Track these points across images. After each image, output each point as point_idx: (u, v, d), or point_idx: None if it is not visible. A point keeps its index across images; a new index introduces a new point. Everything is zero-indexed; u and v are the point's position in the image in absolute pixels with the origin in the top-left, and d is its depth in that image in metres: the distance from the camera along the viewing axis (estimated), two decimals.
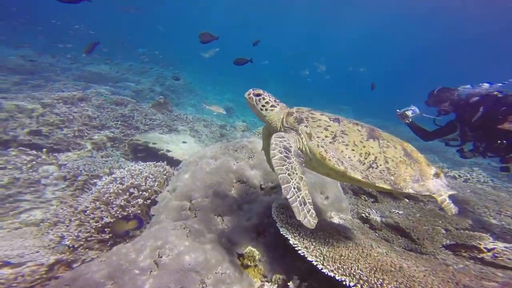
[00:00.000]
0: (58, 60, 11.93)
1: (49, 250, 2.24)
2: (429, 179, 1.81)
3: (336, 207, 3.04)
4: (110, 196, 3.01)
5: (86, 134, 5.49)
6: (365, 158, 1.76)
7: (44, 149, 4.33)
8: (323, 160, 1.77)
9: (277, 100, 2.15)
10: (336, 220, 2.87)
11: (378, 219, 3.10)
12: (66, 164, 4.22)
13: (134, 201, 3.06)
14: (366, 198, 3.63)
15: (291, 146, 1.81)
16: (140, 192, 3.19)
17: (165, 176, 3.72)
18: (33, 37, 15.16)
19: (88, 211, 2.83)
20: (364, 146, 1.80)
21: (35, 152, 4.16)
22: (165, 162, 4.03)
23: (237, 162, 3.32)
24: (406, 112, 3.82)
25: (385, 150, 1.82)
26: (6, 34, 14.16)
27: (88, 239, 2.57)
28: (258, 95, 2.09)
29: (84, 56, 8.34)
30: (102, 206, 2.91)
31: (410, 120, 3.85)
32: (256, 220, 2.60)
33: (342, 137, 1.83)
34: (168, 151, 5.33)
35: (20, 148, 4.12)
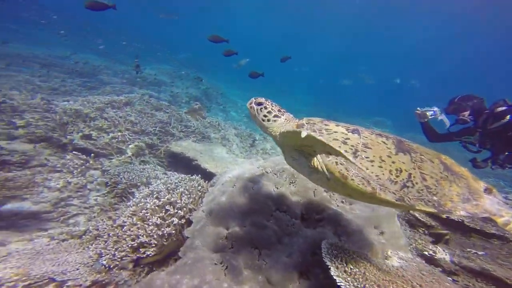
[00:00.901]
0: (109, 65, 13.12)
1: (88, 269, 2.20)
2: (482, 197, 1.51)
3: (393, 244, 2.61)
4: (147, 213, 2.96)
5: (128, 139, 5.75)
6: (397, 176, 1.49)
7: (93, 154, 4.58)
8: (344, 180, 1.49)
9: (281, 110, 1.95)
10: (396, 261, 2.42)
11: (448, 258, 2.55)
12: (108, 170, 4.40)
13: (169, 220, 2.97)
14: (425, 230, 3.07)
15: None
16: (176, 210, 3.09)
17: (199, 193, 3.60)
18: (94, 45, 17.07)
19: (125, 227, 2.79)
20: (393, 162, 1.53)
21: (85, 157, 4.41)
22: (199, 175, 3.96)
23: (277, 188, 3.05)
24: (427, 113, 3.79)
25: (420, 165, 1.55)
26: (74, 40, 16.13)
27: (123, 258, 2.51)
28: (260, 104, 1.91)
29: (134, 67, 9.00)
30: (139, 222, 2.86)
31: (426, 120, 3.84)
32: (298, 257, 2.30)
33: (365, 152, 1.56)
34: (201, 163, 5.31)
35: (74, 152, 4.40)
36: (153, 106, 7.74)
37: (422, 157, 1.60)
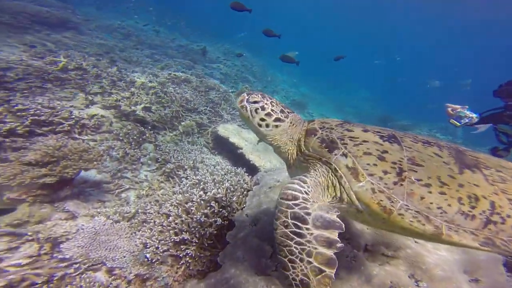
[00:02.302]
0: (175, 38, 13.57)
1: (133, 258, 2.13)
2: None
3: None
4: (193, 206, 2.82)
5: (181, 115, 5.80)
6: (473, 207, 0.99)
7: (149, 127, 4.71)
8: (388, 216, 1.03)
9: (286, 110, 1.44)
10: None
11: None
12: (160, 146, 4.47)
13: (213, 219, 2.78)
14: None
15: (309, 214, 1.08)
16: (220, 209, 2.88)
17: (243, 190, 3.35)
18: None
19: (171, 217, 2.70)
20: (461, 185, 1.03)
21: (142, 129, 4.55)
22: (244, 169, 3.71)
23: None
24: (461, 120, 3.54)
25: (504, 187, 1.03)
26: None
27: (165, 252, 2.42)
28: (255, 102, 1.40)
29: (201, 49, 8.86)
30: (183, 215, 2.74)
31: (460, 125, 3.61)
32: None
33: (416, 171, 1.08)
34: (246, 153, 5.06)
35: (135, 123, 4.58)
36: (207, 85, 7.67)
37: (501, 173, 1.09)
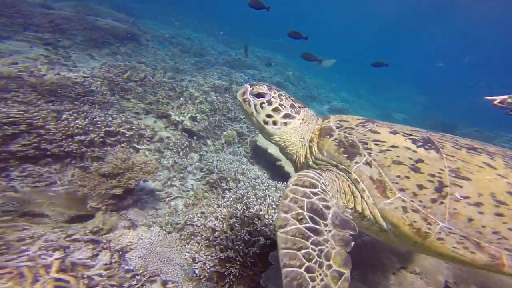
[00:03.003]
0: (214, 46, 14.29)
1: (183, 272, 2.25)
2: None
3: None
4: (237, 222, 2.87)
5: (223, 124, 6.02)
6: None
7: (195, 137, 5.01)
8: (423, 240, 0.82)
9: (296, 105, 1.20)
10: None
11: None
12: (205, 156, 4.71)
13: (256, 238, 2.79)
14: None
15: (328, 208, 0.87)
16: (262, 227, 2.87)
17: None
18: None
19: (216, 232, 2.79)
20: None
21: (189, 138, 4.86)
22: (284, 183, 3.69)
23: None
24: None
25: None
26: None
27: (211, 268, 2.50)
28: (260, 95, 1.18)
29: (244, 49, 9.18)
30: (228, 231, 2.81)
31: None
32: None
33: (461, 186, 0.84)
34: (285, 165, 4.97)
35: (183, 132, 4.93)
36: None
37: None
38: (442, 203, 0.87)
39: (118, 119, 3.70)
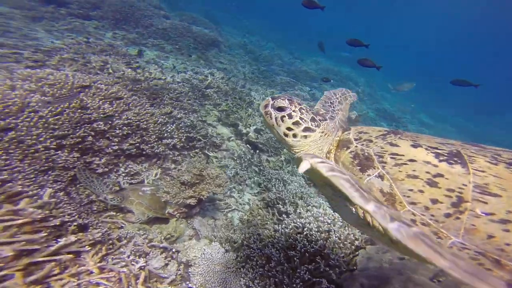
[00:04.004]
0: (280, 54, 14.49)
1: None
2: None
3: None
4: (296, 256, 2.67)
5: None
6: None
7: (257, 150, 5.08)
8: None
9: (317, 118, 1.22)
10: None
11: None
12: (264, 171, 4.69)
13: (317, 279, 2.53)
14: None
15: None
16: (326, 268, 2.58)
17: (352, 246, 2.93)
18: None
19: (272, 262, 2.66)
20: None
21: (252, 151, 4.95)
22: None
23: None
24: None
25: None
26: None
27: None
28: (281, 109, 1.20)
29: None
30: (285, 264, 2.64)
31: None
32: None
33: (486, 203, 0.82)
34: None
35: (247, 144, 5.07)
36: (311, 106, 7.57)
37: None
38: (458, 218, 0.86)
39: (197, 126, 4.04)
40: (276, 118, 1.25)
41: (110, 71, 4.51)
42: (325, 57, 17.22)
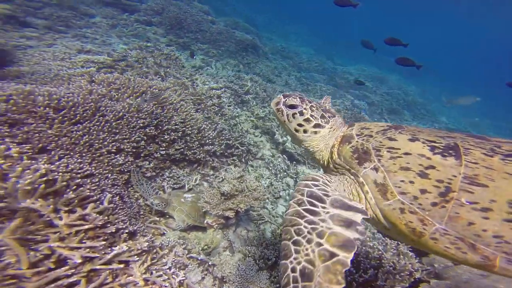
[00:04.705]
0: (321, 61, 13.94)
1: None
2: None
3: None
4: None
5: None
6: None
7: (294, 162, 4.92)
8: (418, 238, 0.95)
9: (326, 115, 1.32)
10: None
11: None
12: (298, 182, 4.50)
13: None
14: None
15: (327, 195, 1.01)
16: None
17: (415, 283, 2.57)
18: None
19: None
20: None
21: (288, 162, 4.81)
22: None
23: None
24: None
25: None
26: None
27: None
28: (293, 107, 1.30)
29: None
30: None
31: None
32: None
33: (472, 193, 0.90)
34: None
35: (283, 154, 4.95)
36: (356, 118, 7.09)
37: None
38: (444, 206, 0.93)
39: (236, 133, 4.06)
40: (287, 115, 1.33)
41: (162, 74, 4.83)
42: (369, 64, 16.08)
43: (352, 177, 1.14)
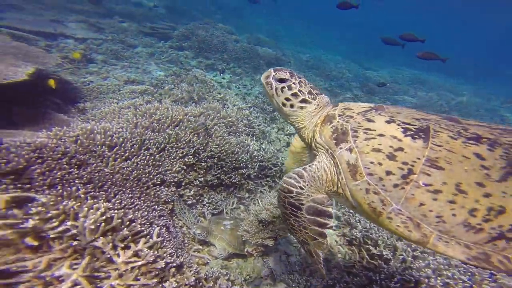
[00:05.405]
0: (348, 67, 13.42)
1: None
2: None
3: None
4: None
5: None
6: (486, 220, 0.90)
7: None
8: (377, 217, 1.05)
9: (314, 91, 1.40)
10: None
11: None
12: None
13: None
14: None
15: (302, 204, 1.25)
16: None
17: None
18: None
19: None
20: (489, 194, 0.90)
21: None
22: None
23: None
24: None
25: None
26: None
27: None
28: (282, 80, 1.37)
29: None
30: None
31: None
32: None
33: (430, 175, 0.98)
34: None
35: None
36: None
37: None
38: (403, 188, 1.02)
39: (268, 153, 4.07)
40: (276, 89, 1.38)
41: (195, 98, 5.17)
42: (405, 65, 14.97)
43: (329, 157, 1.23)
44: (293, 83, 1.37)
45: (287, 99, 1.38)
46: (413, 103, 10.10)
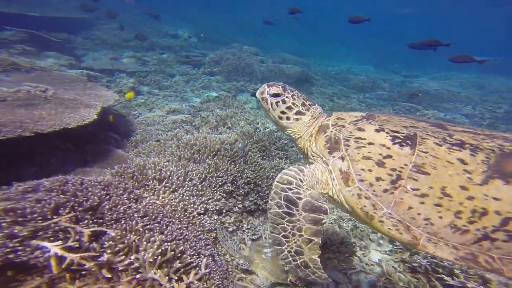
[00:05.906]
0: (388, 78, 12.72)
1: None
2: None
3: None
4: None
5: None
6: (471, 222, 0.96)
7: None
8: (370, 221, 1.17)
9: (307, 103, 1.54)
10: None
11: None
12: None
13: None
14: None
15: (300, 199, 1.33)
16: None
17: None
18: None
19: None
20: (471, 197, 0.97)
21: None
22: None
23: None
24: None
25: None
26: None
27: None
28: (276, 95, 1.51)
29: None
30: None
31: None
32: None
33: (416, 180, 1.09)
34: None
35: None
36: None
37: None
38: (392, 193, 1.14)
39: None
40: (271, 103, 1.50)
41: (229, 124, 5.49)
42: (455, 70, 13.57)
43: (324, 165, 1.34)
44: (287, 97, 1.52)
45: (283, 112, 1.52)
46: (468, 109, 8.98)
